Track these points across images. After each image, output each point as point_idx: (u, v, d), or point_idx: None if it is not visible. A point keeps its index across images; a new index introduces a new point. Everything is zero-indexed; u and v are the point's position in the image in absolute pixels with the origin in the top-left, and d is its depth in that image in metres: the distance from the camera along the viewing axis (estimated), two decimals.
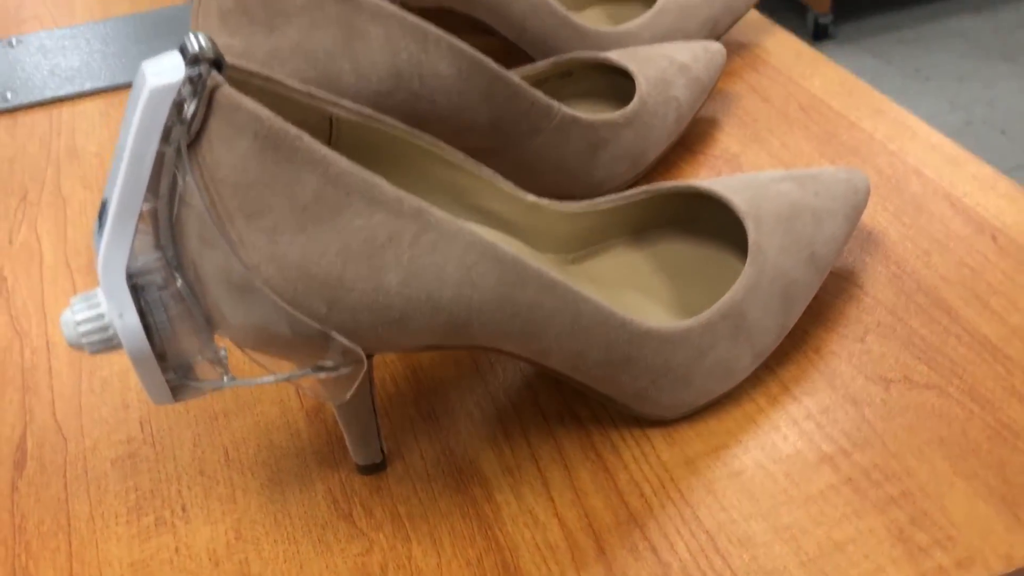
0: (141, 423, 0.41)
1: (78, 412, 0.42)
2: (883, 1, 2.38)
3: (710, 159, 0.53)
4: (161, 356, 0.31)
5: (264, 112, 0.29)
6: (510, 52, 0.55)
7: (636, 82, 0.50)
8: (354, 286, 0.30)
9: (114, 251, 0.29)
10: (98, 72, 0.67)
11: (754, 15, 0.65)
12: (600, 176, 0.49)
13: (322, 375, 0.32)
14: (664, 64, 0.52)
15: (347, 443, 0.37)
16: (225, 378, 0.32)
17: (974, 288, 0.43)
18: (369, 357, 0.34)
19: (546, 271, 0.33)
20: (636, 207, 0.43)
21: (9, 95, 0.65)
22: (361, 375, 0.32)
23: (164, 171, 0.29)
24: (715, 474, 0.36)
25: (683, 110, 0.51)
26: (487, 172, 0.39)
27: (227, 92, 0.28)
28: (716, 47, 0.54)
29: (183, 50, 0.28)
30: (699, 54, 0.53)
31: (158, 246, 0.30)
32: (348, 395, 0.33)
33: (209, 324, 0.31)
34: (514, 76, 0.44)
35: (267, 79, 0.32)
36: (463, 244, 0.31)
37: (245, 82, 0.31)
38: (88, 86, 0.65)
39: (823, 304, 0.43)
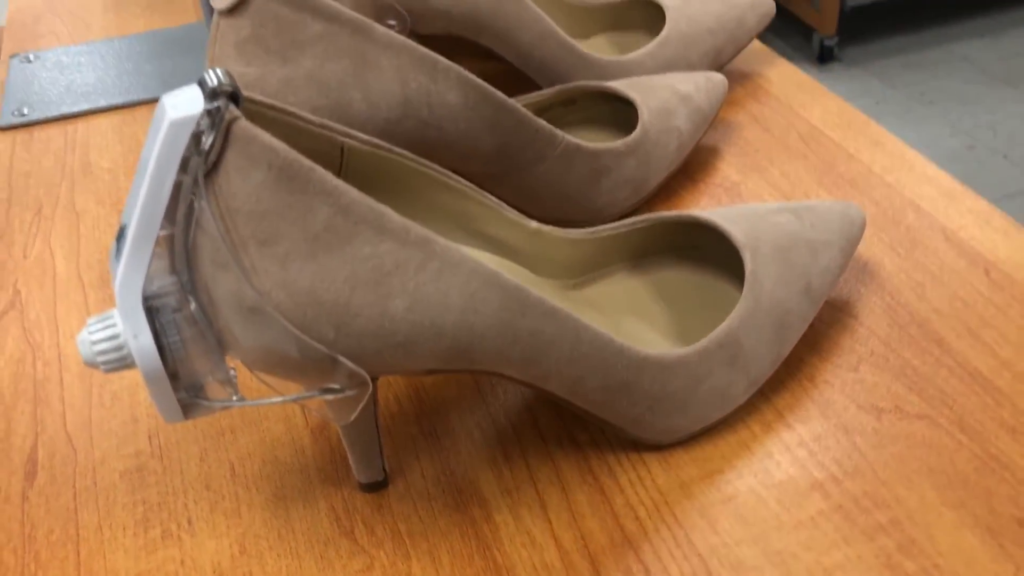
0: (149, 437, 0.42)
1: (88, 424, 0.43)
2: (889, 25, 2.40)
3: (711, 187, 0.54)
4: (173, 376, 0.32)
5: (279, 144, 0.30)
6: (517, 77, 0.56)
7: (639, 111, 0.51)
8: (361, 312, 0.31)
9: (131, 274, 0.30)
10: (113, 89, 0.68)
11: (757, 45, 0.66)
12: (602, 203, 0.50)
13: (328, 397, 0.33)
14: (667, 94, 0.53)
15: (350, 461, 0.38)
16: (234, 398, 0.33)
17: (966, 321, 0.43)
18: (374, 380, 0.35)
19: (547, 299, 0.34)
20: (637, 235, 0.44)
21: (26, 110, 0.66)
22: (366, 397, 0.33)
23: (181, 199, 0.30)
24: (709, 499, 0.37)
25: (684, 139, 0.53)
26: (491, 200, 0.40)
27: (243, 125, 0.29)
28: (718, 78, 0.55)
29: (202, 84, 0.29)
30: (701, 84, 0.55)
31: (173, 270, 0.31)
32: (353, 416, 0.34)
33: (220, 346, 0.32)
34: (519, 106, 0.46)
35: (282, 110, 0.33)
36: (466, 272, 0.32)
37: (261, 113, 0.33)
38: (103, 102, 0.67)
39: (818, 333, 0.44)
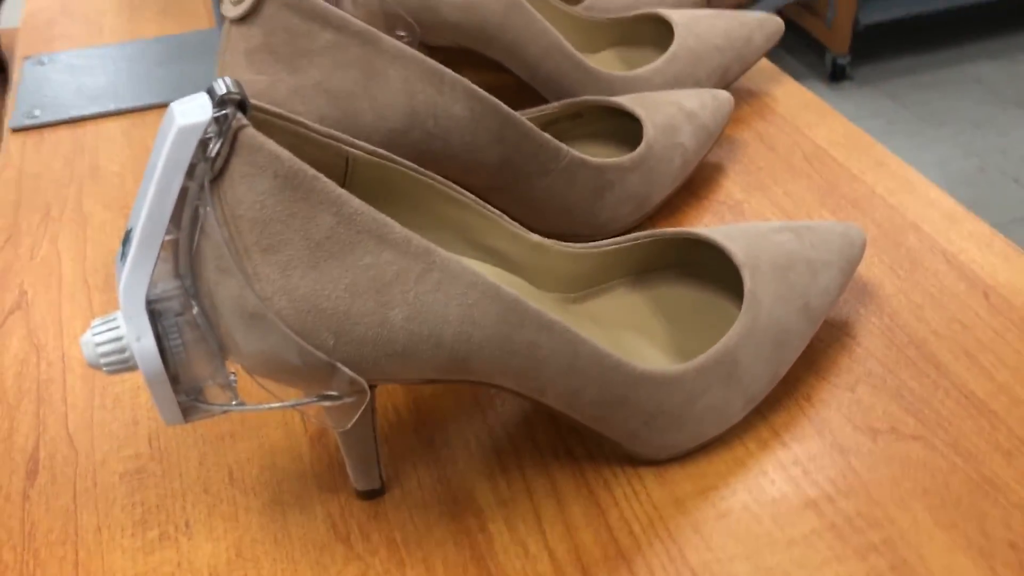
0: (150, 439, 0.42)
1: (90, 426, 0.43)
2: (901, 45, 2.40)
3: (714, 204, 0.54)
4: (174, 379, 0.32)
5: (284, 153, 0.30)
6: (525, 90, 0.57)
7: (644, 127, 0.52)
8: (360, 320, 0.31)
9: (135, 278, 0.30)
10: (123, 92, 0.69)
11: (765, 64, 0.67)
12: (605, 218, 0.50)
13: (327, 403, 0.33)
14: (672, 110, 0.53)
15: (348, 468, 0.38)
16: (234, 402, 0.33)
17: (964, 344, 0.44)
18: (372, 388, 0.35)
19: (545, 312, 0.34)
20: (638, 250, 0.44)
21: (37, 112, 0.67)
22: (364, 405, 0.33)
23: (187, 205, 0.30)
24: (703, 514, 0.37)
25: (689, 156, 0.53)
26: (494, 212, 0.40)
27: (250, 133, 0.30)
28: (724, 95, 0.56)
29: (211, 91, 0.30)
30: (707, 102, 0.55)
31: (177, 275, 0.31)
32: (351, 423, 0.34)
33: (222, 351, 0.32)
34: (525, 119, 0.46)
35: (289, 119, 0.34)
36: (466, 284, 0.33)
37: (268, 122, 0.33)
38: (112, 106, 0.67)
39: (816, 353, 0.44)
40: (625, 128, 0.55)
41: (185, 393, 0.33)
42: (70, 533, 0.38)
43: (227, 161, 0.30)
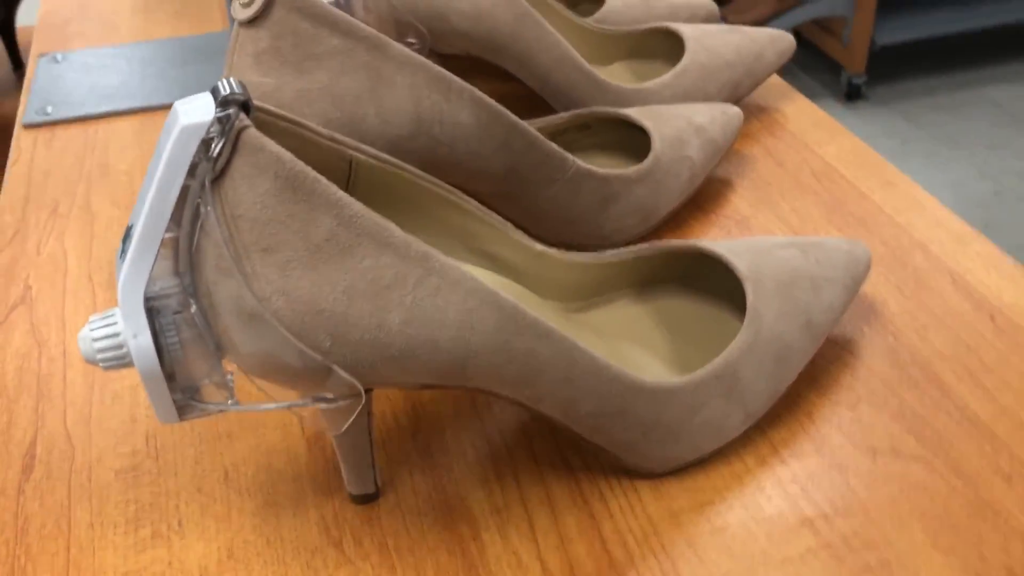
0: (147, 437, 0.42)
1: (88, 422, 0.43)
2: (918, 65, 2.40)
3: (720, 219, 0.54)
4: (170, 377, 0.32)
5: (286, 155, 0.30)
6: (534, 100, 0.57)
7: (652, 140, 0.51)
8: (358, 323, 0.31)
9: (134, 275, 0.30)
10: (135, 92, 0.69)
11: (776, 80, 0.67)
12: (610, 229, 0.50)
13: (322, 406, 0.33)
14: (681, 124, 0.53)
15: (343, 472, 0.38)
16: (229, 401, 0.33)
17: (968, 365, 0.43)
18: (368, 391, 0.35)
19: (543, 321, 0.34)
20: (642, 262, 0.44)
21: (49, 109, 0.67)
22: (359, 408, 0.33)
23: (188, 203, 0.30)
24: (698, 529, 0.37)
25: (696, 170, 0.53)
26: (497, 220, 0.40)
27: (252, 134, 0.30)
28: (734, 111, 0.56)
29: (215, 92, 0.30)
30: (716, 116, 0.55)
31: (177, 273, 0.31)
32: (345, 426, 0.34)
33: (218, 349, 0.32)
34: (531, 128, 0.46)
35: (293, 121, 0.34)
36: (465, 290, 0.33)
37: (272, 123, 0.33)
38: (124, 105, 0.68)
39: (818, 369, 0.44)
40: (634, 140, 0.55)
41: (181, 391, 0.33)
42: (63, 528, 0.38)
43: (229, 161, 0.30)
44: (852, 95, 2.27)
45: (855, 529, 0.37)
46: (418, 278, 0.32)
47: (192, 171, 0.30)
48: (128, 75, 0.72)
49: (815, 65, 2.40)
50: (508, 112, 0.45)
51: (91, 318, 0.32)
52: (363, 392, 0.32)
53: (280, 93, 0.41)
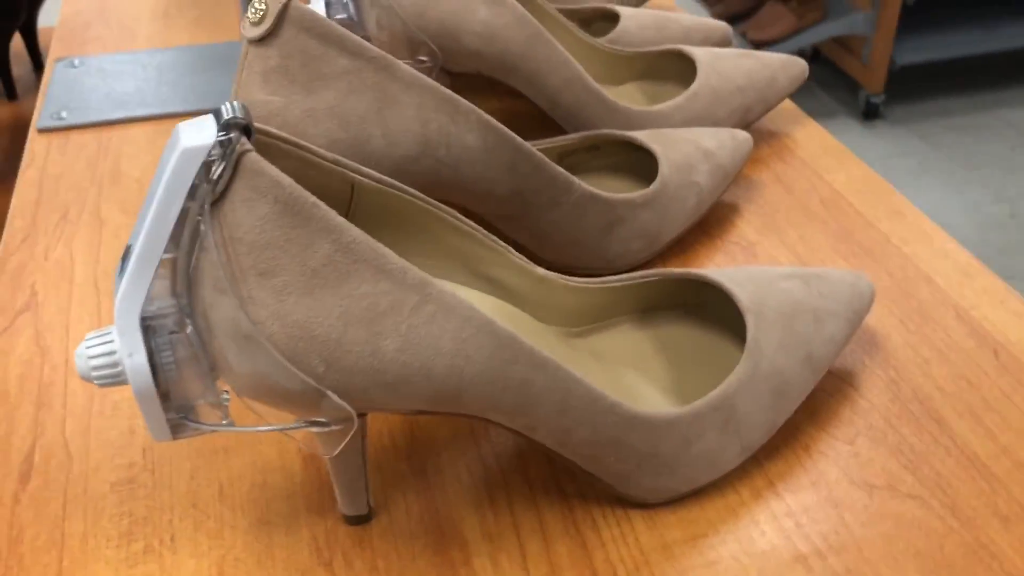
0: (144, 450, 0.42)
1: (87, 432, 0.43)
2: (937, 86, 2.39)
3: (726, 244, 0.54)
4: (165, 396, 0.32)
5: (285, 179, 0.30)
6: (544, 117, 0.57)
7: (659, 164, 0.51)
8: (352, 349, 0.31)
9: (131, 294, 0.31)
10: (150, 99, 0.70)
11: (788, 105, 0.67)
12: (614, 253, 0.50)
13: (315, 429, 0.33)
14: (690, 149, 0.53)
15: (336, 493, 0.38)
16: (224, 422, 0.33)
17: (969, 402, 0.43)
18: (361, 416, 0.35)
19: (539, 351, 0.34)
20: (644, 288, 0.44)
21: (64, 114, 0.68)
22: (351, 433, 0.33)
23: (187, 225, 0.31)
24: (690, 562, 0.37)
25: (703, 195, 0.53)
26: (500, 244, 0.40)
27: (253, 158, 0.30)
28: (743, 136, 0.56)
29: (217, 115, 0.30)
30: (725, 141, 0.55)
31: (174, 293, 0.31)
32: (337, 450, 0.34)
33: (213, 370, 0.32)
34: (537, 151, 0.46)
35: (295, 144, 0.34)
36: (461, 317, 0.33)
37: (274, 146, 0.33)
38: (139, 112, 0.68)
39: (818, 402, 0.43)
40: (643, 163, 0.55)
41: (175, 410, 0.33)
42: (56, 540, 0.38)
43: (229, 184, 0.30)
44: (870, 114, 2.26)
45: (848, 567, 0.36)
46: (414, 305, 0.32)
47: (192, 193, 0.30)
48: (144, 81, 0.72)
49: (833, 83, 2.40)
50: (514, 135, 0.45)
51: (87, 335, 0.32)
52: (356, 417, 0.32)
53: (287, 112, 0.41)
